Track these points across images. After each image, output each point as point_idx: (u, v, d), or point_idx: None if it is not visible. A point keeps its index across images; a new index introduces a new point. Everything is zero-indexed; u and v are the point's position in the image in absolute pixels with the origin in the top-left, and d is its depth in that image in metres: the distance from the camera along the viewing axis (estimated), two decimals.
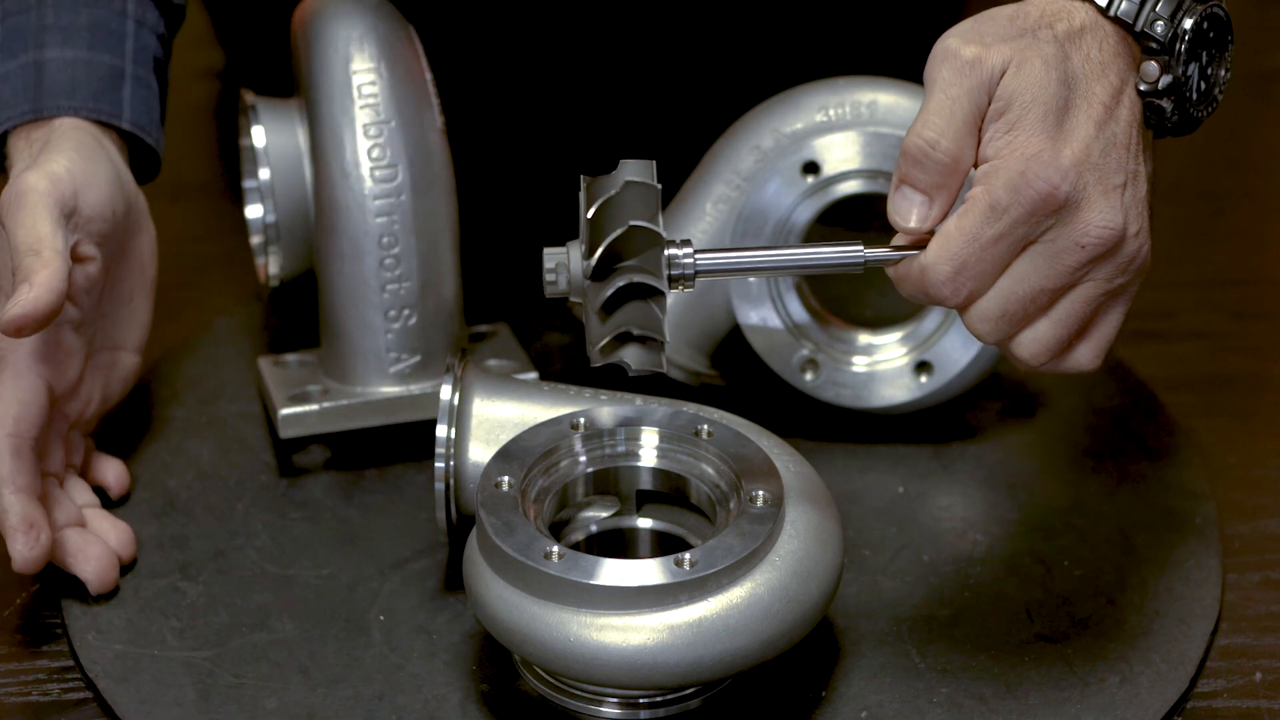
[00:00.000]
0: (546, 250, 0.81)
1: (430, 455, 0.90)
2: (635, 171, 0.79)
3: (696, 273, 0.80)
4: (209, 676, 0.87)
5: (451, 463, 0.90)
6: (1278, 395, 1.10)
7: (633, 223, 0.78)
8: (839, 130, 1.00)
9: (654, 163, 0.80)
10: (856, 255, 0.81)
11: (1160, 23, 0.80)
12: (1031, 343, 0.81)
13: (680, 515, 0.89)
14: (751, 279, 1.01)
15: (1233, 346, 1.15)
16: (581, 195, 0.80)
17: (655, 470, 0.89)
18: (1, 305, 0.88)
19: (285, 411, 1.01)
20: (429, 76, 1.01)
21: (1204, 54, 0.82)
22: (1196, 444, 1.03)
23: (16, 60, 0.96)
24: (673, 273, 0.80)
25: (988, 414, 1.05)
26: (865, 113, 1.00)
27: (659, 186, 0.79)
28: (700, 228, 1.02)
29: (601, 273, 0.79)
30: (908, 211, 0.80)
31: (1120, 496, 0.99)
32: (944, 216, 0.80)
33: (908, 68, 1.00)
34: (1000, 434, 1.04)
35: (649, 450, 0.89)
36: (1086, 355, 0.83)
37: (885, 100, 1.00)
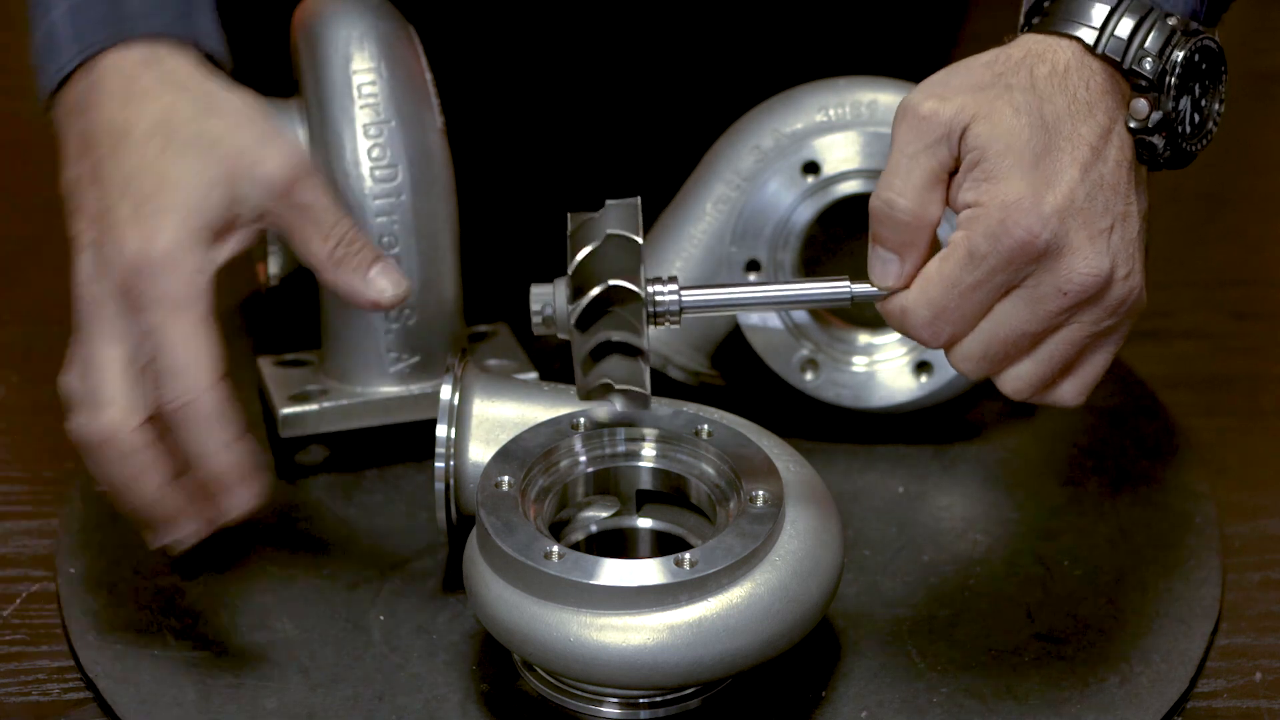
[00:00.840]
0: (534, 289, 0.84)
1: (430, 455, 0.90)
2: (618, 220, 0.82)
3: (682, 309, 0.82)
4: (209, 676, 0.87)
5: (451, 463, 0.90)
6: (1278, 395, 1.10)
7: (612, 283, 0.80)
8: (839, 130, 1.00)
9: (638, 203, 0.82)
10: (843, 291, 0.82)
11: (1149, 59, 0.79)
12: (1015, 379, 0.81)
13: (680, 515, 0.89)
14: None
15: (1233, 346, 1.15)
16: (567, 237, 0.81)
17: (655, 470, 0.89)
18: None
19: (285, 411, 1.01)
20: (429, 76, 1.01)
21: (1196, 87, 0.80)
22: (1196, 444, 1.03)
23: None
24: (658, 310, 0.82)
25: (988, 414, 1.05)
26: (865, 113, 1.00)
27: (640, 241, 0.81)
28: (700, 228, 1.02)
29: (586, 322, 0.81)
30: (883, 272, 0.81)
31: (1120, 496, 0.99)
32: (920, 267, 0.80)
33: (908, 68, 1.01)
34: (1000, 434, 1.04)
35: (649, 450, 0.89)
36: (1070, 392, 0.82)
37: (885, 100, 1.00)
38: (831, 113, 1.00)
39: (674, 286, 0.82)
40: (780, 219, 1.00)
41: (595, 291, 0.81)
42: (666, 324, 0.82)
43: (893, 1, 1.26)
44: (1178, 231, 1.28)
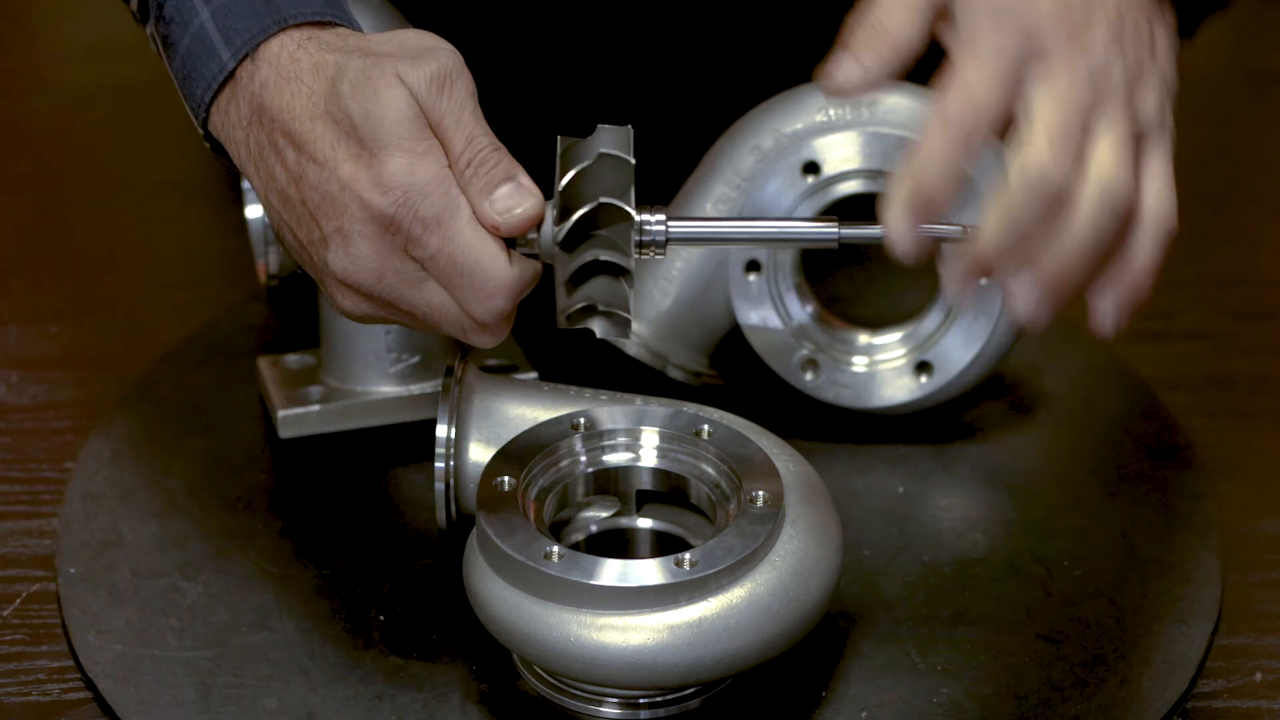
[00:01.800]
0: None
1: (430, 455, 0.90)
2: (611, 142, 0.80)
3: (668, 239, 0.81)
4: (209, 676, 0.87)
5: (451, 463, 0.90)
6: (1278, 395, 1.10)
7: (603, 199, 0.79)
8: (839, 130, 1.00)
9: (631, 131, 0.81)
10: (830, 231, 0.81)
11: None
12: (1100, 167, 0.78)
13: (680, 515, 0.89)
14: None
15: (1233, 346, 1.15)
16: (557, 159, 0.80)
17: (655, 470, 0.89)
18: None
19: (285, 412, 1.01)
20: None
21: None
22: (1196, 444, 1.03)
23: None
24: (644, 239, 0.80)
25: (988, 414, 1.05)
26: (865, 113, 1.00)
27: (633, 161, 0.79)
28: None
29: (572, 243, 0.79)
30: (840, 71, 0.78)
31: (1120, 496, 0.99)
32: (878, 75, 0.78)
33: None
34: (1000, 434, 1.04)
35: (649, 450, 0.89)
36: (1155, 196, 0.82)
37: (885, 100, 0.99)
38: (831, 113, 1.00)
39: (662, 215, 0.81)
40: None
41: (585, 209, 0.79)
42: (652, 254, 0.81)
43: None
44: (1178, 231, 1.27)
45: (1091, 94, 0.77)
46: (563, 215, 0.80)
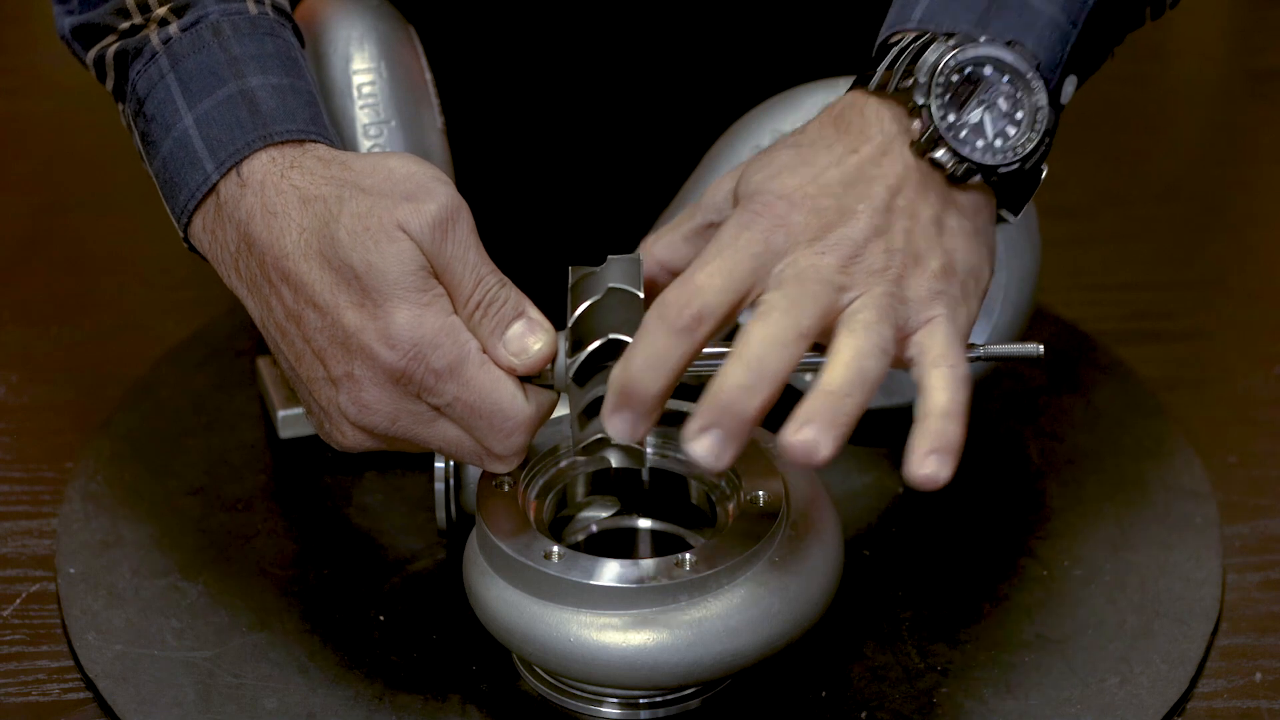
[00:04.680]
0: None
1: (430, 455, 0.90)
2: (620, 275, 0.81)
3: None
4: (209, 676, 0.87)
5: (451, 463, 0.90)
6: (1278, 395, 1.10)
7: (612, 335, 0.80)
8: None
9: (640, 261, 0.81)
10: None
11: (915, 81, 0.80)
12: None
13: (680, 515, 0.89)
14: None
15: (1233, 346, 1.15)
16: (568, 291, 0.81)
17: (655, 470, 0.89)
18: None
19: (285, 412, 1.01)
20: (429, 76, 1.01)
21: (991, 104, 0.81)
22: (1196, 444, 1.03)
23: (223, 91, 0.86)
24: None
25: (988, 414, 1.05)
26: None
27: (641, 295, 0.80)
28: None
29: (584, 377, 0.80)
30: None
31: (1120, 497, 0.99)
32: None
33: None
34: (1000, 434, 1.04)
35: (649, 450, 0.89)
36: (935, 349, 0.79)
37: None
38: None
39: None
40: None
41: (595, 345, 0.80)
42: None
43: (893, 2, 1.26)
44: (1178, 231, 1.28)
45: (830, 287, 0.77)
46: (575, 349, 0.81)
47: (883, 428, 1.03)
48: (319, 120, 0.86)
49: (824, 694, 0.86)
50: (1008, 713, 0.85)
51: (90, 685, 0.87)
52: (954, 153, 0.80)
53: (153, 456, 1.02)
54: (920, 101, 0.80)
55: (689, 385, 1.05)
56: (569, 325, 0.81)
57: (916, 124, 0.80)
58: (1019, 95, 0.81)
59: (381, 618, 0.90)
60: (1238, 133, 1.43)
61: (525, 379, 0.81)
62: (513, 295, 0.82)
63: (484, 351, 0.81)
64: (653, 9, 1.15)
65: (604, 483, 0.89)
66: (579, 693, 0.84)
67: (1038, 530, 0.97)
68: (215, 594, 0.92)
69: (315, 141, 0.85)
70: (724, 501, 0.86)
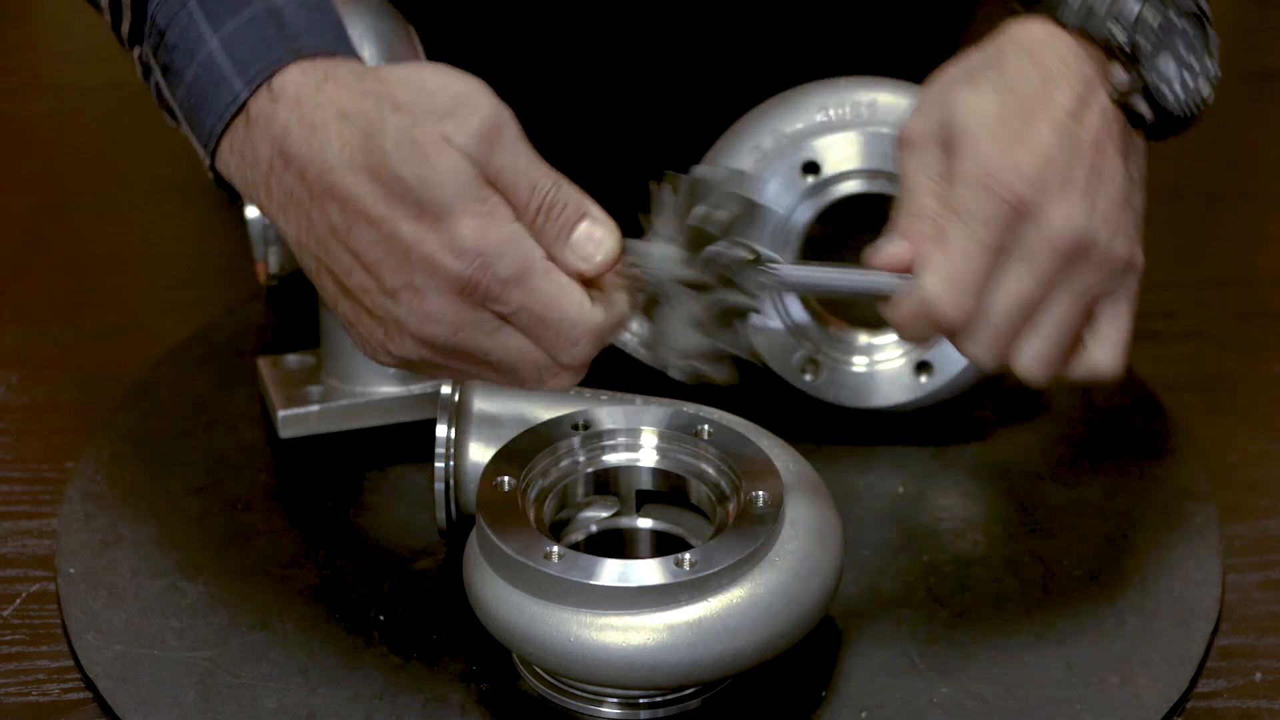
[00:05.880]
0: (626, 241, 0.80)
1: (430, 455, 0.90)
2: (737, 183, 0.80)
3: (782, 285, 0.84)
4: (209, 676, 0.87)
5: (451, 463, 0.90)
6: (1278, 395, 1.10)
7: (736, 240, 0.79)
8: (839, 130, 1.00)
9: (745, 174, 0.81)
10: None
11: (1118, 27, 0.81)
12: (1029, 358, 0.82)
13: (680, 515, 0.89)
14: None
15: (1233, 346, 1.15)
16: (679, 191, 0.80)
17: (655, 470, 0.89)
18: None
19: (285, 412, 1.01)
20: None
21: (1179, 49, 0.82)
22: (1196, 444, 1.03)
23: (248, 11, 0.84)
24: (763, 282, 0.81)
25: (988, 414, 1.05)
26: (865, 113, 1.00)
27: (763, 204, 0.80)
28: None
29: (699, 282, 0.79)
30: (885, 252, 0.83)
31: (1120, 496, 0.99)
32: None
33: (908, 68, 1.00)
34: (1000, 434, 1.04)
35: (649, 450, 0.89)
36: (1103, 358, 0.83)
37: (885, 100, 1.00)
38: (831, 113, 1.00)
39: (778, 260, 0.82)
40: (780, 219, 1.00)
41: (724, 250, 0.78)
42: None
43: (893, 1, 1.26)
44: (1178, 231, 1.28)
45: (1063, 259, 0.81)
46: (693, 250, 0.78)
47: (883, 428, 1.04)
48: (346, 40, 0.84)
49: (824, 694, 0.86)
50: (1008, 713, 0.85)
51: (90, 685, 0.87)
52: (1151, 102, 0.82)
53: (153, 456, 1.02)
54: (1127, 50, 0.82)
55: (686, 385, 1.05)
56: (685, 225, 0.79)
57: (1118, 71, 0.82)
58: (1196, 44, 0.82)
59: (381, 618, 0.90)
60: (1239, 133, 1.43)
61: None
62: (573, 196, 0.79)
63: (550, 259, 0.78)
64: (653, 10, 1.15)
65: (604, 483, 0.89)
66: (579, 693, 0.84)
67: (1038, 530, 0.96)
68: (215, 594, 0.92)
69: (343, 57, 0.83)
70: (724, 501, 0.86)
